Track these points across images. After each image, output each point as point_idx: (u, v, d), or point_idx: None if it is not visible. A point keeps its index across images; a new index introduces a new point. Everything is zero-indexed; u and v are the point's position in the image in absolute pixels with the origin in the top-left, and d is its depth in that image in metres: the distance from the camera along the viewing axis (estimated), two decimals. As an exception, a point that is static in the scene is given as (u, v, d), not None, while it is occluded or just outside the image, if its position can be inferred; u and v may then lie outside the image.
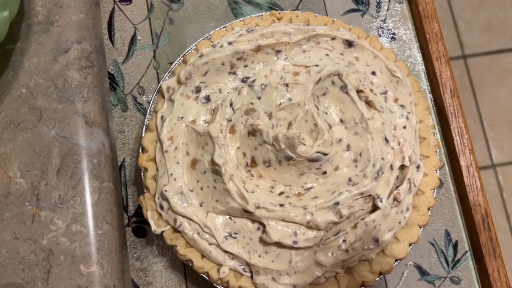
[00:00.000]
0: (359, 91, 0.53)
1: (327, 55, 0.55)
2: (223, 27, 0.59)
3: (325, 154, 0.51)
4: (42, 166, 0.52)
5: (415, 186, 0.53)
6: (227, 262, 0.51)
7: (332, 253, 0.50)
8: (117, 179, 0.57)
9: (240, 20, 0.60)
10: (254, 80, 0.53)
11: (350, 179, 0.51)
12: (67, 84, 0.54)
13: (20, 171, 0.51)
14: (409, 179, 0.52)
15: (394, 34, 0.66)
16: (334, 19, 0.59)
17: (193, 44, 0.59)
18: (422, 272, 0.59)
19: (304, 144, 0.50)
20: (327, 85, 0.53)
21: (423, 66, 0.65)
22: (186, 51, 0.59)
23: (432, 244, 0.60)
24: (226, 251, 0.51)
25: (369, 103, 0.54)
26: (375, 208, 0.51)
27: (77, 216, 0.50)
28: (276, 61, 0.55)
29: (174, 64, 0.59)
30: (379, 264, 0.52)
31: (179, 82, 0.55)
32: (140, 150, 0.55)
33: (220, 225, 0.51)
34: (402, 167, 0.53)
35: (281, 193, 0.52)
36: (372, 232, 0.51)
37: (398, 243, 0.52)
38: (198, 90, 0.54)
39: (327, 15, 0.66)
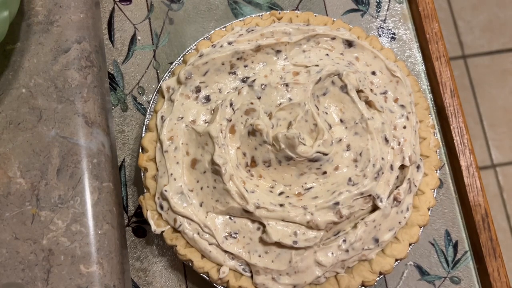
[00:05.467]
0: (359, 91, 0.53)
1: (327, 55, 0.55)
2: (223, 27, 0.59)
3: (325, 154, 0.51)
4: (42, 166, 0.52)
5: (415, 186, 0.53)
6: (227, 262, 0.51)
7: (332, 253, 0.50)
8: (117, 179, 0.57)
9: (240, 20, 0.60)
10: (254, 80, 0.53)
11: (350, 179, 0.51)
12: (67, 84, 0.54)
13: (20, 171, 0.51)
14: (409, 179, 0.52)
15: (394, 34, 0.66)
16: (334, 19, 0.59)
17: (193, 44, 0.59)
18: (422, 272, 0.59)
19: (304, 144, 0.50)
20: (327, 85, 0.53)
21: (423, 66, 0.65)
22: (186, 51, 0.59)
23: (432, 244, 0.60)
24: (226, 251, 0.51)
25: (369, 103, 0.54)
26: (375, 208, 0.51)
27: (77, 216, 0.50)
28: (276, 61, 0.55)
29: (174, 64, 0.59)
30: (379, 264, 0.52)
31: (179, 82, 0.55)
32: (140, 150, 0.55)
33: (220, 225, 0.51)
34: (402, 167, 0.53)
35: (281, 193, 0.52)
36: (372, 232, 0.51)
37: (398, 243, 0.52)
38: (198, 90, 0.54)
39: (327, 15, 0.66)
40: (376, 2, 0.67)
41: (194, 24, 0.66)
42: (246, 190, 0.50)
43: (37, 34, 0.55)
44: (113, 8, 0.66)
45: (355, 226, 0.51)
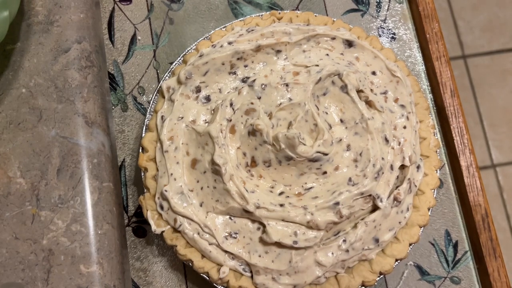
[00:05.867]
0: (359, 91, 0.53)
1: (327, 55, 0.55)
2: (223, 27, 0.59)
3: (325, 154, 0.51)
4: (42, 166, 0.52)
5: (415, 186, 0.53)
6: (227, 262, 0.51)
7: (332, 253, 0.50)
8: (117, 179, 0.57)
9: (240, 20, 0.60)
10: (254, 80, 0.53)
11: (350, 179, 0.51)
12: (67, 84, 0.54)
13: (20, 171, 0.51)
14: (409, 179, 0.52)
15: (394, 34, 0.66)
16: (334, 19, 0.59)
17: (193, 44, 0.59)
18: (422, 272, 0.59)
19: (304, 144, 0.50)
20: (327, 85, 0.53)
21: (423, 66, 0.65)
22: (186, 51, 0.59)
23: (432, 244, 0.60)
24: (226, 251, 0.51)
25: (369, 103, 0.54)
26: (375, 208, 0.51)
27: (77, 216, 0.50)
28: (276, 61, 0.55)
29: (174, 64, 0.59)
30: (379, 264, 0.52)
31: (179, 82, 0.55)
32: (140, 150, 0.55)
33: (220, 225, 0.51)
34: (402, 167, 0.53)
35: (281, 193, 0.52)
36: (372, 232, 0.51)
37: (398, 243, 0.52)
38: (198, 90, 0.54)
39: (327, 15, 0.66)
40: (376, 2, 0.67)
41: (194, 24, 0.66)
42: (246, 190, 0.50)
43: (37, 34, 0.55)
44: (113, 8, 0.66)
45: (355, 226, 0.51)
